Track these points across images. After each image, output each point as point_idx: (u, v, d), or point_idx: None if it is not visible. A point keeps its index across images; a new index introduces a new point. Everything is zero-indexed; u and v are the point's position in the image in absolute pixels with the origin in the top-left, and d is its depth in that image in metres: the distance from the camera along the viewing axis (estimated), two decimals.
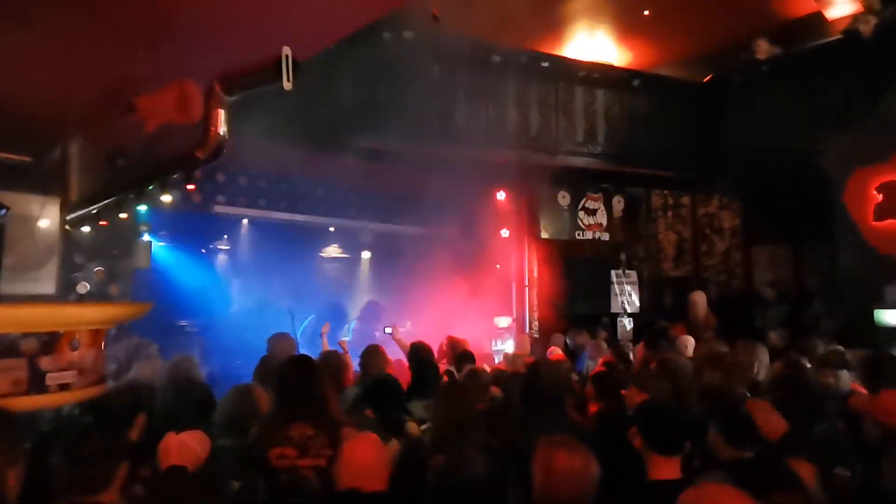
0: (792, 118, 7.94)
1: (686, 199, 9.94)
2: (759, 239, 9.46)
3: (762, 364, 4.64)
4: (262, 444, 2.77)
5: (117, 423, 2.84)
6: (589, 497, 1.96)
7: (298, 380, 2.95)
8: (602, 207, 9.14)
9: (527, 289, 9.27)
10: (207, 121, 3.81)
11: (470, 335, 7.24)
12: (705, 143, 8.87)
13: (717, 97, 8.90)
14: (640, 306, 8.97)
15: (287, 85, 3.27)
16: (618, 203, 9.23)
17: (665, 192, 9.86)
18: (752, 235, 9.56)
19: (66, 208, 6.04)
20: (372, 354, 4.21)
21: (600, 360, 5.30)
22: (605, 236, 9.14)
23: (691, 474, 2.30)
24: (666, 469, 2.26)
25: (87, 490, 1.94)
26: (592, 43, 8.85)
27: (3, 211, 5.45)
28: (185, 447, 2.37)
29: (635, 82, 8.55)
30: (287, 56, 3.25)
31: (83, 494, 1.94)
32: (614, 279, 8.95)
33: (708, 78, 8.97)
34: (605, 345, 6.15)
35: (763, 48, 8.28)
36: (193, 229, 8.01)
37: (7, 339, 2.78)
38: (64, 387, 2.89)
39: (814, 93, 7.76)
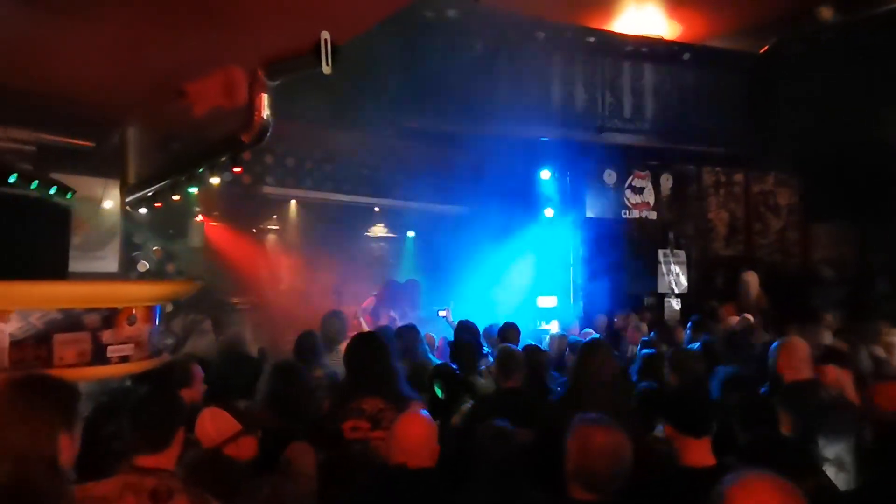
0: (854, 88, 7.48)
1: (739, 176, 9.57)
2: (819, 216, 9.04)
3: None
4: (336, 417, 2.89)
5: (174, 390, 3.04)
6: (623, 476, 1.96)
7: (369, 355, 3.07)
8: (649, 186, 8.91)
9: (571, 269, 9.18)
10: (251, 105, 3.94)
11: (512, 315, 7.28)
12: (760, 118, 8.48)
13: (773, 69, 8.47)
14: (689, 286, 8.77)
15: (326, 69, 3.34)
16: (666, 181, 8.98)
17: (717, 169, 9.51)
18: (811, 213, 9.15)
19: (125, 191, 6.37)
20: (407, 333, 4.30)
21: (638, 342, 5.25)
22: (653, 215, 8.92)
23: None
24: (698, 454, 2.23)
25: (149, 449, 2.06)
26: (641, 16, 8.53)
27: (69, 193, 5.79)
28: (218, 419, 2.49)
29: (685, 56, 8.23)
30: (326, 40, 3.32)
31: (144, 452, 2.07)
32: (662, 259, 8.78)
33: (764, 49, 8.54)
34: (644, 326, 6.06)
35: (826, 15, 7.80)
36: (244, 210, 8.28)
37: (73, 314, 2.99)
38: (123, 359, 3.10)
39: (877, 61, 7.27)
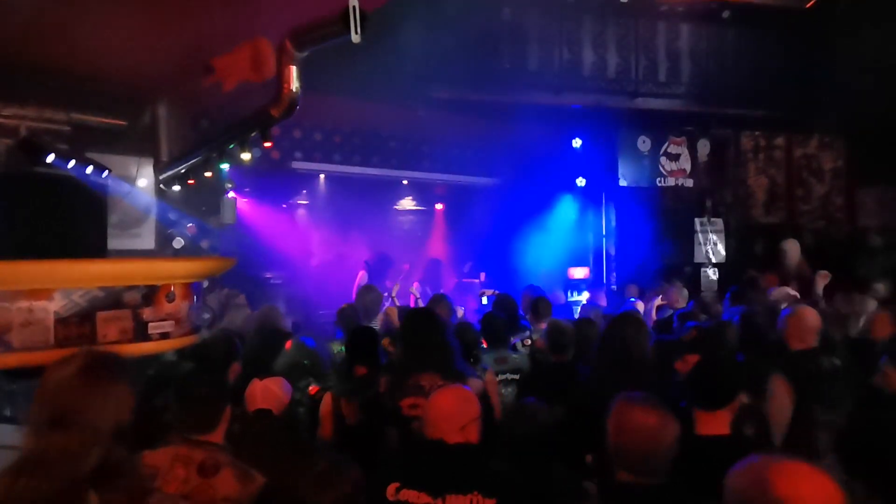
0: None
1: (780, 140, 9.20)
2: (866, 180, 8.69)
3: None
4: (395, 394, 2.87)
5: (218, 369, 3.09)
6: (666, 455, 1.88)
7: (426, 331, 3.03)
8: (685, 152, 8.64)
9: (604, 239, 9.03)
10: (280, 78, 3.89)
11: (544, 286, 7.19)
12: (805, 78, 8.10)
13: (820, 24, 8.04)
14: (727, 256, 8.55)
15: (355, 37, 3.25)
16: (703, 147, 8.69)
17: (756, 132, 9.16)
18: (858, 176, 8.80)
19: (158, 169, 6.42)
20: (438, 304, 4.26)
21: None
22: (689, 182, 8.67)
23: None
24: (711, 424, 2.20)
25: (199, 429, 2.12)
26: None
27: (104, 172, 5.86)
28: (270, 392, 2.54)
29: (725, 14, 7.86)
30: (354, 7, 3.22)
31: (195, 433, 2.12)
32: (698, 227, 8.56)
33: (811, 3, 8.11)
34: (685, 292, 5.92)
35: None
36: (274, 185, 8.31)
37: (114, 292, 3.03)
38: (164, 335, 3.14)
39: None
